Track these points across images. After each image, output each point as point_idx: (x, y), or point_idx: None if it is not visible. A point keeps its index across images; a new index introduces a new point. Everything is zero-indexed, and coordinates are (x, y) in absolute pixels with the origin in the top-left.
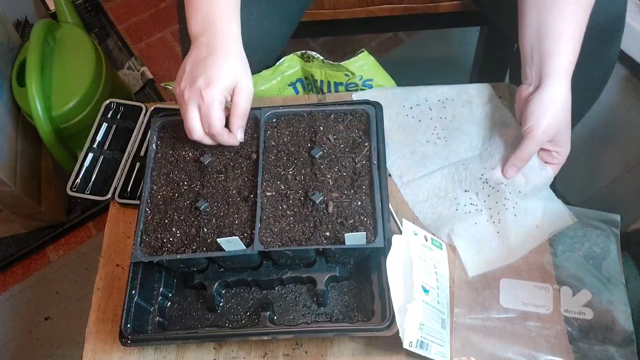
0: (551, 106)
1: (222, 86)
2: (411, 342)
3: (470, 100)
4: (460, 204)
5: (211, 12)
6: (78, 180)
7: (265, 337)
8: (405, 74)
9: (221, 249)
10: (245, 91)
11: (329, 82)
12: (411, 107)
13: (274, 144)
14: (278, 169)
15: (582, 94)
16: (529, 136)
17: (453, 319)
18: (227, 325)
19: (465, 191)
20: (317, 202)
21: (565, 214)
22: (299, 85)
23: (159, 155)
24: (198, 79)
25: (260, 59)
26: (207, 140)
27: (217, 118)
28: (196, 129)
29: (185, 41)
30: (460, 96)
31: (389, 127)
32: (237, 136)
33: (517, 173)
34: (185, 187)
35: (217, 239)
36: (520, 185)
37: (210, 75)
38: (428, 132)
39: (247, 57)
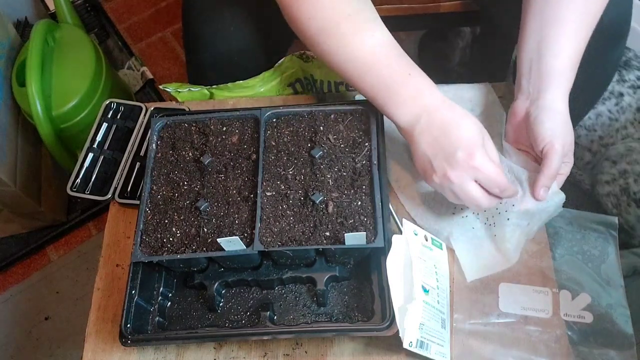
0: (559, 119)
1: (481, 145)
2: (411, 342)
3: (470, 99)
4: (457, 208)
5: (417, 90)
6: (78, 180)
7: (265, 337)
8: None
9: (221, 249)
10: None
11: (329, 82)
12: None
13: (274, 144)
14: (278, 169)
15: (585, 96)
16: (552, 150)
17: (452, 324)
18: (227, 325)
19: None
20: (317, 202)
21: (553, 192)
22: (298, 86)
23: (159, 155)
24: (456, 154)
25: (266, 62)
26: (494, 202)
27: (502, 175)
28: (485, 200)
29: (189, 46)
30: (462, 98)
31: (389, 130)
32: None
33: (547, 193)
34: (185, 187)
35: (217, 239)
36: (531, 208)
37: (465, 142)
38: None
39: (253, 64)
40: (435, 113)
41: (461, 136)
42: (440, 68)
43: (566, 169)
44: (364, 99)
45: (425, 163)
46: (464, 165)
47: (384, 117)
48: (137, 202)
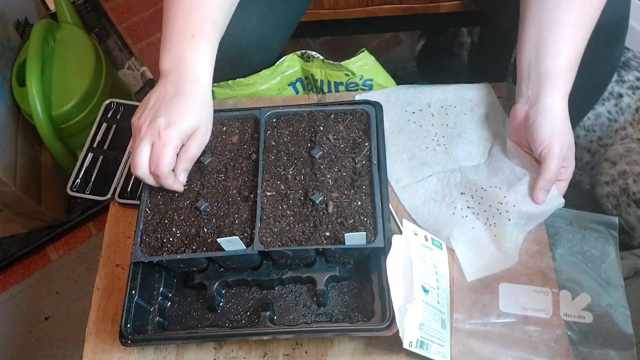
0: (558, 122)
1: (181, 129)
2: (411, 342)
3: (471, 99)
4: (457, 208)
5: (184, 52)
6: (78, 180)
7: (265, 337)
8: (406, 74)
9: (221, 249)
10: (200, 138)
11: (329, 82)
12: (413, 112)
13: (274, 143)
14: (278, 168)
15: (585, 95)
16: (550, 153)
17: (452, 324)
18: (227, 325)
19: (462, 193)
20: (317, 202)
21: (553, 196)
22: (298, 85)
23: None
24: (159, 118)
25: (260, 60)
26: (150, 180)
27: (168, 160)
28: (143, 166)
29: None
30: (462, 98)
31: (389, 131)
32: (180, 178)
33: (546, 196)
34: (185, 187)
35: (217, 239)
36: (530, 210)
37: (172, 116)
38: (428, 138)
39: (247, 60)
40: (185, 83)
41: (182, 114)
42: (444, 77)
43: (567, 174)
44: (364, 99)
45: (146, 103)
46: (156, 129)
47: (385, 121)
48: (137, 202)
